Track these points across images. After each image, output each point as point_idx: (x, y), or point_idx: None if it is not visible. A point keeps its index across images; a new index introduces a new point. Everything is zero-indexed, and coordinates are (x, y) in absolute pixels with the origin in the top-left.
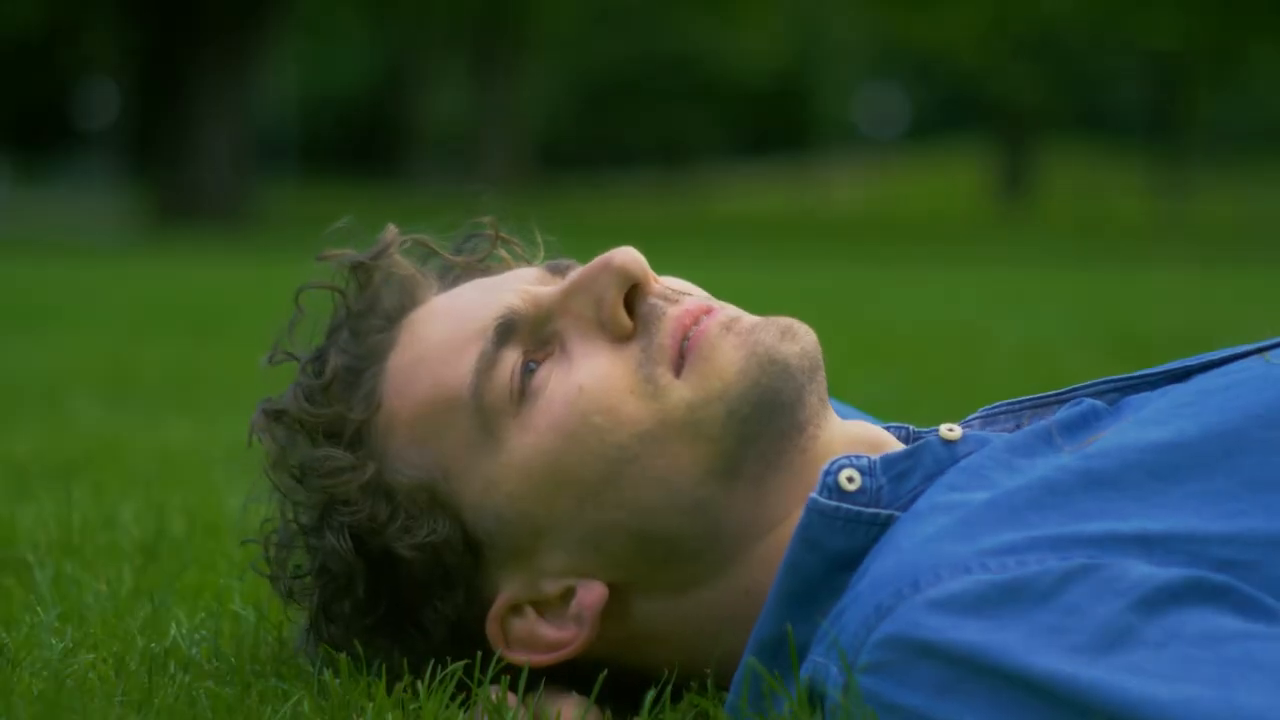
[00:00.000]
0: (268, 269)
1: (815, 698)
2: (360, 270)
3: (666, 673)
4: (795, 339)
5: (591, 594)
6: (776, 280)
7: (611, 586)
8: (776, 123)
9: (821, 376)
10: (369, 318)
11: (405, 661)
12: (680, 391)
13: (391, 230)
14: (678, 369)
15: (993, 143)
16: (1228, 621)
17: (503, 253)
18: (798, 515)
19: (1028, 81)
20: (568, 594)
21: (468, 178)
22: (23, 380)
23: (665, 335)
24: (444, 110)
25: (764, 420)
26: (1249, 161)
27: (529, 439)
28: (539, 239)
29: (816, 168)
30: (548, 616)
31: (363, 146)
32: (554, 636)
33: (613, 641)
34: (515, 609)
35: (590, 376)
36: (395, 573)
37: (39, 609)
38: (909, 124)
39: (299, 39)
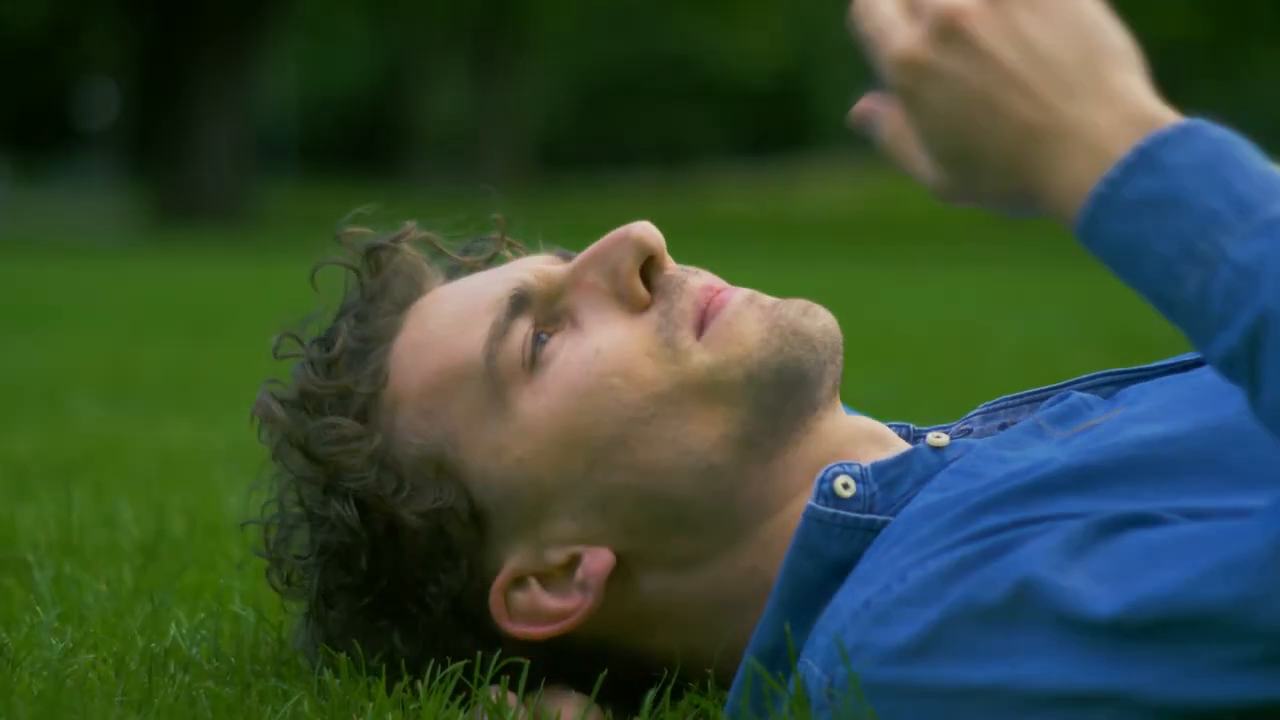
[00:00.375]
0: (268, 269)
1: (803, 701)
2: (373, 255)
3: (666, 672)
4: (816, 316)
5: (598, 560)
6: (776, 280)
7: (617, 556)
8: (776, 123)
9: (840, 360)
10: (378, 302)
11: (406, 647)
12: (701, 355)
13: (408, 224)
14: (698, 334)
15: None
16: (1184, 525)
17: (508, 255)
18: (800, 499)
19: None
20: (573, 562)
21: (468, 178)
22: (23, 380)
23: (686, 301)
24: (444, 110)
25: (784, 393)
26: None
27: (540, 402)
28: (543, 249)
29: (816, 168)
30: (551, 588)
31: (363, 146)
32: (557, 606)
33: (614, 619)
34: (518, 581)
35: (608, 341)
36: (398, 543)
37: (39, 609)
38: None
39: (299, 39)
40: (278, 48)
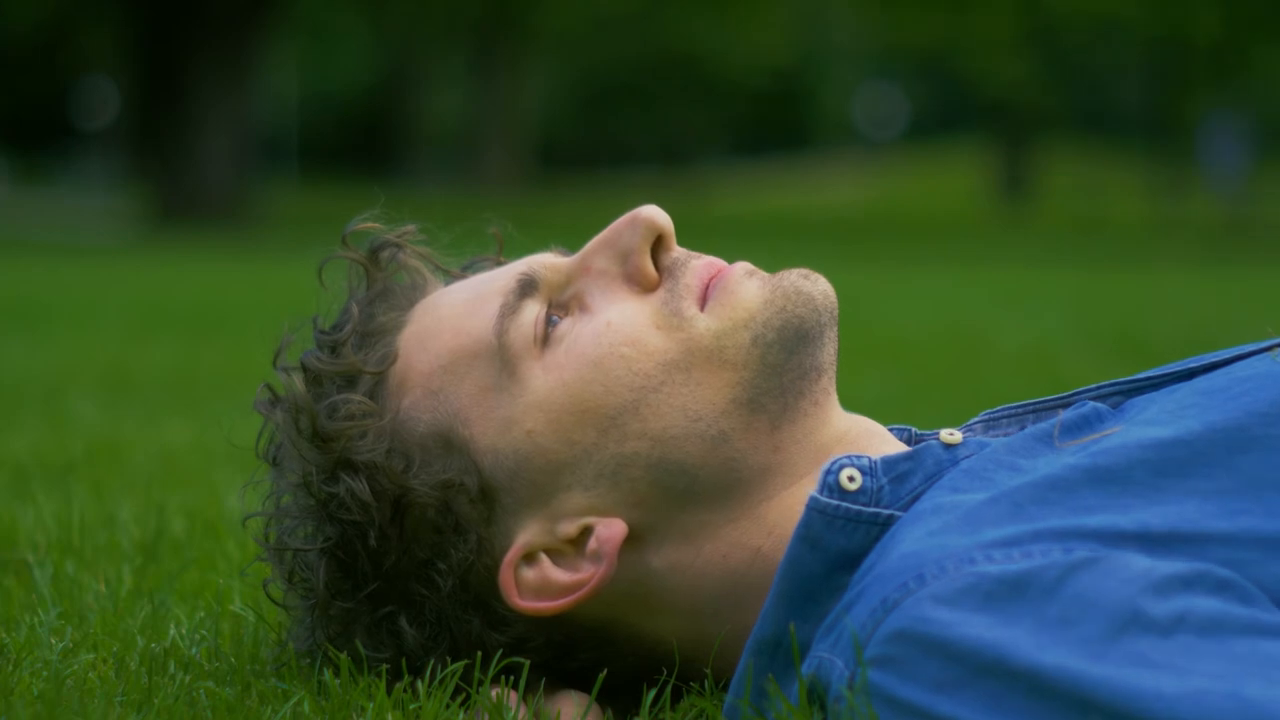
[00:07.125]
0: (268, 269)
1: (817, 694)
2: (379, 254)
3: (666, 673)
4: (816, 281)
5: (611, 529)
6: None
7: (629, 527)
8: (776, 123)
9: (836, 332)
10: (384, 299)
11: (413, 630)
12: (706, 322)
13: (409, 226)
14: (702, 306)
15: (993, 143)
16: (1234, 611)
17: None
18: (807, 484)
19: (1027, 81)
20: (584, 534)
21: (468, 177)
22: (23, 380)
23: (691, 277)
24: (444, 110)
25: (787, 349)
26: (1249, 162)
27: (552, 375)
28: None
29: (816, 168)
30: (561, 563)
31: (363, 146)
32: (569, 579)
33: (621, 598)
34: (528, 557)
35: (618, 314)
36: (405, 523)
37: (39, 609)
38: (909, 124)
39: (299, 39)
40: (278, 47)
